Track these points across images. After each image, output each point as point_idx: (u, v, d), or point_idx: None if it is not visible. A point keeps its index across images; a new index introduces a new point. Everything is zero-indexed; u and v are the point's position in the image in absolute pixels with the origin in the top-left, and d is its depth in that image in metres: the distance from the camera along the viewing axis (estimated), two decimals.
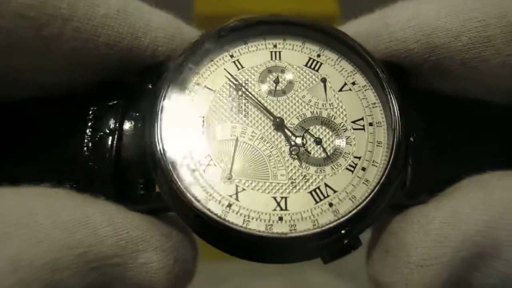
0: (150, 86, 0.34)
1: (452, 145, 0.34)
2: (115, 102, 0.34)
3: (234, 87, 0.34)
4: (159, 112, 0.32)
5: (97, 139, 0.33)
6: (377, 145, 0.32)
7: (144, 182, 0.33)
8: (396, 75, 0.34)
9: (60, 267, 0.26)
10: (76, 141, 0.33)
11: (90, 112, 0.34)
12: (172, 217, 0.33)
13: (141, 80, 0.35)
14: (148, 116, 0.32)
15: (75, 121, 0.33)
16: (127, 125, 0.33)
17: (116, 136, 0.33)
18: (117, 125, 0.33)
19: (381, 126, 0.33)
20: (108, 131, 0.33)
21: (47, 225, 0.27)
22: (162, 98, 0.32)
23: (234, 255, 0.31)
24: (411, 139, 0.33)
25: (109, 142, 0.33)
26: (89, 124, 0.33)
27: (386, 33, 0.34)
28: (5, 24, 0.29)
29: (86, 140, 0.33)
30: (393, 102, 0.32)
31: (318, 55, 0.35)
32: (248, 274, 0.62)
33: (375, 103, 0.33)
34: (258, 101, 0.33)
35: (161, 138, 0.31)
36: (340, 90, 0.34)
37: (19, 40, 0.30)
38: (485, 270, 0.30)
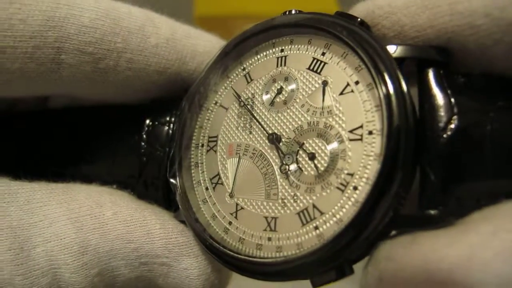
0: None
1: (500, 151, 0.25)
2: (167, 119, 0.38)
3: (240, 105, 0.34)
4: (178, 132, 0.35)
5: (150, 153, 0.37)
6: (373, 159, 0.27)
7: None
8: (441, 60, 0.28)
9: (117, 256, 0.32)
10: (133, 156, 0.37)
11: (145, 127, 0.38)
12: None
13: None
14: (176, 138, 0.36)
15: (133, 136, 0.38)
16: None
17: (167, 151, 0.37)
18: (168, 140, 0.37)
19: (380, 134, 0.27)
20: (160, 148, 0.37)
21: (111, 217, 0.32)
22: (182, 121, 0.35)
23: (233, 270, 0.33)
24: (441, 140, 0.26)
25: (160, 157, 0.37)
26: (144, 137, 0.37)
27: (446, 4, 0.27)
28: (68, 60, 0.32)
29: (141, 154, 0.37)
30: (393, 107, 0.26)
31: (323, 53, 0.31)
32: None
33: (378, 105, 0.28)
34: (254, 117, 0.33)
35: (180, 159, 0.35)
36: (341, 93, 0.30)
37: (79, 72, 0.33)
38: None
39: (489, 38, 0.25)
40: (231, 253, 0.31)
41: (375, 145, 0.27)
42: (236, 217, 0.32)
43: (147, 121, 0.38)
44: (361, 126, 0.28)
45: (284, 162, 0.31)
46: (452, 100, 0.27)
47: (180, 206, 0.34)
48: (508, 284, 0.22)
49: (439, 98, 0.27)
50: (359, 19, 0.30)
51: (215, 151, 0.35)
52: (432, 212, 0.26)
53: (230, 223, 0.32)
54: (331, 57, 0.31)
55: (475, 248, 0.23)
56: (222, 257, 0.32)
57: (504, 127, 0.25)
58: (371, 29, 0.30)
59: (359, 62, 0.29)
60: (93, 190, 0.35)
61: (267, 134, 0.32)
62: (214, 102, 0.36)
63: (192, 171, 0.35)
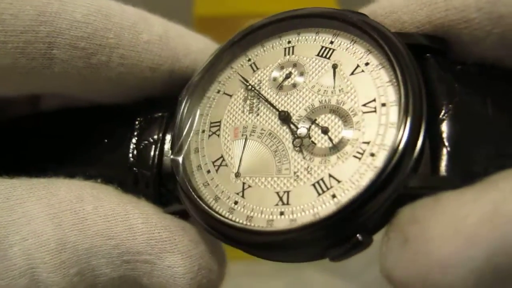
0: None
1: (500, 126, 0.27)
2: (160, 114, 0.37)
3: (245, 88, 0.35)
4: (179, 120, 0.35)
5: (141, 147, 0.36)
6: (389, 127, 0.28)
7: None
8: (439, 49, 0.31)
9: (98, 254, 0.30)
10: (123, 149, 0.36)
11: (137, 123, 0.37)
12: None
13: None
14: (172, 125, 0.35)
15: (123, 131, 0.37)
16: (168, 136, 0.37)
17: (159, 145, 0.36)
18: (161, 135, 0.36)
19: (395, 105, 0.29)
20: (152, 141, 0.36)
21: (91, 212, 0.30)
22: (184, 107, 0.35)
23: (244, 251, 0.31)
24: (445, 115, 0.28)
25: (152, 151, 0.36)
26: (135, 133, 0.37)
27: (442, 0, 0.30)
28: (59, 55, 0.32)
29: (131, 148, 0.36)
30: (411, 81, 0.28)
31: (331, 42, 0.33)
32: (248, 275, 0.61)
33: (389, 81, 0.30)
34: (265, 97, 0.33)
35: (180, 145, 0.34)
36: (352, 73, 0.31)
37: (71, 68, 0.33)
38: None
39: (482, 31, 0.29)
40: (239, 226, 0.29)
41: (391, 115, 0.29)
42: (243, 196, 0.31)
43: (140, 117, 0.37)
44: (374, 100, 0.30)
45: (296, 136, 0.31)
46: (452, 83, 0.30)
47: (181, 193, 0.32)
48: None
49: (440, 81, 0.30)
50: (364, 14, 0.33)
51: (218, 135, 0.34)
52: (446, 176, 0.27)
53: (236, 202, 0.31)
54: (340, 44, 0.33)
55: (497, 204, 0.24)
56: (227, 235, 0.30)
57: (501, 108, 0.28)
58: None
59: (369, 46, 0.31)
60: (74, 184, 0.33)
61: (277, 113, 0.32)
62: (216, 91, 0.36)
63: (191, 156, 0.34)
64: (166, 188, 0.36)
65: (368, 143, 0.29)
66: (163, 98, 0.38)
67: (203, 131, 0.35)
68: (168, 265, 0.31)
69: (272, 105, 0.33)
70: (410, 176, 0.27)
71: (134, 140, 0.37)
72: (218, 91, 0.36)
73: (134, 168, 0.36)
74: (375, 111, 0.29)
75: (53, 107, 0.39)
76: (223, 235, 0.30)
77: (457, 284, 0.24)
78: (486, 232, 0.23)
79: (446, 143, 0.28)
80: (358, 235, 0.27)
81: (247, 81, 0.35)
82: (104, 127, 0.38)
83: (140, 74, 0.35)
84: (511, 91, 0.29)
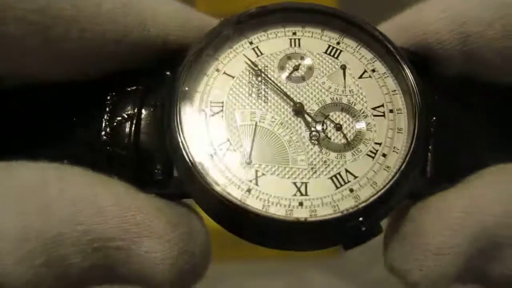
0: (168, 73, 0.35)
1: (475, 132, 0.33)
2: (134, 88, 0.34)
3: (253, 73, 0.34)
4: (178, 98, 0.32)
5: (115, 124, 0.33)
6: (397, 132, 0.32)
7: (162, 167, 0.33)
8: (421, 63, 0.34)
9: (65, 242, 0.27)
10: (94, 126, 0.33)
11: (108, 98, 0.33)
12: (187, 205, 0.33)
13: (159, 67, 0.35)
14: (167, 102, 0.32)
15: (93, 107, 0.33)
16: (145, 112, 0.33)
17: (134, 122, 0.33)
18: (136, 110, 0.33)
19: (401, 113, 0.32)
20: (126, 117, 0.33)
21: (56, 197, 0.27)
22: (181, 84, 0.32)
23: (252, 241, 0.30)
24: (431, 126, 0.33)
25: (127, 128, 0.32)
26: (107, 109, 0.33)
27: (418, 27, 0.34)
28: (11, 32, 0.29)
29: (104, 125, 0.33)
30: (414, 89, 0.32)
31: (338, 43, 0.35)
32: (248, 274, 0.61)
33: (395, 90, 0.33)
34: (278, 86, 0.33)
35: (180, 124, 0.31)
36: (360, 77, 0.34)
37: (26, 45, 0.30)
38: (502, 261, 0.30)
39: (453, 50, 0.34)
40: (259, 212, 0.28)
41: (397, 121, 0.32)
42: (256, 184, 0.30)
43: (111, 92, 0.33)
44: (382, 105, 0.33)
45: (313, 129, 0.32)
46: (433, 95, 0.34)
47: (183, 174, 0.30)
48: (507, 219, 0.29)
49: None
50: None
51: (222, 117, 0.32)
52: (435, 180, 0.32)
53: (249, 190, 0.30)
54: (346, 47, 0.35)
55: (474, 198, 0.30)
56: (240, 221, 0.29)
57: (477, 118, 0.34)
58: None
59: (374, 53, 0.34)
60: (38, 167, 0.29)
61: (291, 103, 0.32)
62: (215, 69, 0.34)
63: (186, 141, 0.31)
64: (144, 169, 0.33)
65: (379, 144, 0.31)
66: (136, 70, 0.34)
67: (203, 110, 0.32)
68: (145, 250, 0.28)
69: (287, 95, 0.33)
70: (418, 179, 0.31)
71: (106, 117, 0.33)
72: (217, 70, 0.34)
73: (108, 147, 0.32)
74: (383, 116, 0.32)
75: (12, 87, 0.33)
76: (236, 221, 0.29)
77: (449, 267, 0.29)
78: (467, 222, 0.29)
79: (432, 150, 0.33)
80: (372, 229, 0.30)
81: (256, 66, 0.34)
82: (71, 104, 0.33)
83: (104, 48, 0.32)
84: (486, 102, 0.35)
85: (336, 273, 0.67)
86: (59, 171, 0.29)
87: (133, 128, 0.32)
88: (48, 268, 0.27)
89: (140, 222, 0.29)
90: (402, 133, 0.32)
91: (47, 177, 0.28)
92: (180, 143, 0.30)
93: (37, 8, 0.29)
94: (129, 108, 0.33)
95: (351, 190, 0.30)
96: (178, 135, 0.30)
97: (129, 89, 0.34)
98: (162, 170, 0.33)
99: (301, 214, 0.29)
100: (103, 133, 0.32)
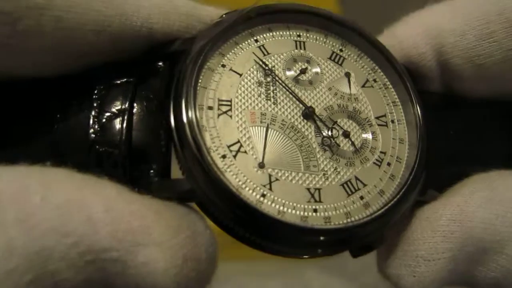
0: (160, 64, 0.32)
1: (460, 143, 0.36)
2: (124, 80, 0.31)
3: (263, 72, 0.32)
4: (185, 93, 0.29)
5: (104, 120, 0.29)
6: (399, 142, 0.33)
7: (157, 168, 0.30)
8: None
9: (53, 256, 0.24)
10: (81, 123, 0.29)
11: (96, 92, 0.30)
12: (187, 205, 0.30)
13: (149, 58, 0.32)
14: (171, 98, 0.29)
15: (79, 102, 0.30)
16: (138, 106, 0.30)
17: (126, 117, 0.30)
18: (127, 105, 0.30)
19: (401, 123, 0.34)
20: (116, 112, 0.30)
21: (40, 205, 0.24)
22: (188, 79, 0.29)
23: (262, 249, 0.29)
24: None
25: (119, 124, 0.29)
26: (95, 104, 0.30)
27: (397, 44, 0.36)
28: None
29: (91, 122, 0.29)
30: (416, 101, 0.33)
31: (341, 50, 0.35)
32: (248, 274, 0.59)
33: (395, 101, 0.34)
34: (289, 88, 0.32)
35: (190, 120, 0.28)
36: (363, 86, 0.34)
37: None
38: (488, 264, 0.32)
39: (432, 62, 0.36)
40: (276, 218, 0.27)
41: (399, 131, 0.33)
42: (270, 189, 0.29)
43: (99, 85, 0.30)
44: (384, 115, 0.34)
45: (324, 135, 0.31)
46: None
47: (197, 173, 0.27)
48: (491, 225, 0.32)
49: None
50: None
51: (230, 116, 0.30)
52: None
53: (263, 195, 0.28)
54: (349, 55, 0.35)
55: (461, 206, 0.32)
56: (255, 226, 0.28)
57: (458, 130, 0.37)
58: None
59: (373, 64, 0.35)
60: (18, 171, 0.25)
61: (301, 107, 0.32)
62: (221, 64, 0.32)
63: (202, 134, 0.29)
64: (138, 169, 0.29)
65: (384, 153, 0.32)
66: (126, 62, 0.31)
67: (210, 108, 0.30)
68: (143, 261, 0.25)
69: (298, 98, 0.32)
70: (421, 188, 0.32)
71: (94, 112, 0.29)
72: (223, 66, 0.32)
73: (97, 146, 0.29)
74: (386, 126, 0.33)
75: None
76: (250, 227, 0.28)
77: (439, 272, 0.31)
78: (455, 229, 0.31)
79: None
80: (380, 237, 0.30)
81: (266, 65, 0.32)
82: (54, 100, 0.30)
83: (83, 40, 0.29)
84: (467, 116, 0.37)
85: (336, 273, 0.68)
86: (41, 175, 0.25)
87: (124, 124, 0.29)
88: (36, 286, 0.23)
89: (136, 229, 0.25)
90: (403, 143, 0.33)
91: (28, 182, 0.24)
92: (192, 141, 0.28)
93: None
94: (119, 102, 0.30)
95: (361, 198, 0.30)
96: (188, 131, 0.28)
97: (118, 81, 0.31)
98: (157, 170, 0.30)
99: (316, 221, 0.29)
100: (91, 130, 0.29)
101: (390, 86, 0.35)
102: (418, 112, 0.33)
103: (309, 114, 0.32)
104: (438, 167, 0.34)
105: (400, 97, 0.34)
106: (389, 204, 0.30)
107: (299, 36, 0.35)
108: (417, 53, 0.35)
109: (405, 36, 0.35)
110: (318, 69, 0.34)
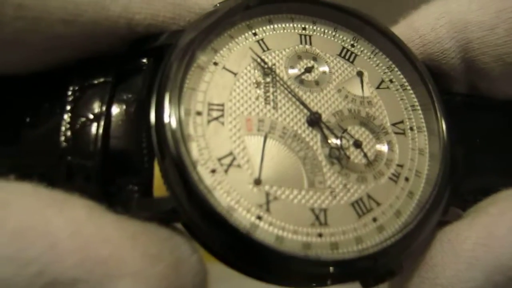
0: (144, 61, 0.28)
1: (486, 153, 0.31)
2: (102, 80, 0.27)
3: (261, 71, 0.28)
4: (168, 95, 0.25)
5: (78, 126, 0.26)
6: (419, 153, 0.28)
7: (138, 182, 0.26)
8: None
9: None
10: (51, 129, 0.26)
11: (69, 93, 0.27)
12: (169, 229, 0.26)
13: (130, 54, 0.28)
14: (152, 99, 0.25)
15: (50, 105, 0.26)
16: (116, 110, 0.27)
17: (102, 123, 0.26)
18: (104, 108, 0.26)
19: (422, 132, 0.29)
20: (92, 117, 0.26)
21: None
22: (172, 78, 0.25)
23: (260, 279, 0.25)
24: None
25: (94, 130, 0.26)
26: (68, 108, 0.26)
27: (417, 37, 0.31)
28: None
29: (64, 128, 0.26)
30: (439, 105, 0.29)
31: (352, 45, 0.31)
32: None
33: (414, 105, 0.30)
34: (292, 90, 0.28)
35: (172, 127, 0.24)
36: (378, 87, 0.30)
37: None
38: None
39: (456, 58, 0.31)
40: (269, 247, 0.23)
41: (418, 140, 0.29)
42: (268, 210, 0.25)
43: (72, 86, 0.27)
44: (402, 122, 0.29)
45: (332, 146, 0.27)
46: None
47: (172, 193, 0.23)
48: None
49: None
50: None
51: (222, 123, 0.26)
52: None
53: (259, 217, 0.24)
54: (362, 51, 0.31)
55: (489, 228, 0.27)
56: (252, 251, 0.23)
57: (480, 141, 0.32)
58: None
59: (389, 61, 0.30)
60: None
61: (307, 112, 0.27)
62: (213, 62, 0.27)
63: (188, 145, 0.25)
64: (115, 184, 0.25)
65: (401, 166, 0.28)
66: (103, 59, 0.28)
67: (199, 113, 0.26)
68: None
69: (303, 103, 0.27)
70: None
71: (66, 117, 0.26)
72: (216, 63, 0.27)
73: (68, 157, 0.25)
74: (404, 134, 0.29)
75: None
76: (243, 255, 0.24)
77: None
78: (482, 254, 0.27)
79: None
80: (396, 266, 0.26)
81: (265, 63, 0.28)
82: (22, 102, 0.27)
83: (50, 31, 0.26)
84: (495, 121, 0.33)
85: None
86: (0, 192, 0.23)
87: (100, 131, 0.26)
88: None
89: (108, 258, 0.22)
90: (423, 155, 0.28)
91: None
92: (174, 153, 0.23)
93: None
94: (95, 105, 0.26)
95: (374, 220, 0.26)
96: (171, 141, 0.24)
97: (95, 81, 0.27)
98: (138, 185, 0.26)
99: (321, 249, 0.24)
100: (62, 138, 0.26)
101: (409, 88, 0.30)
102: (441, 118, 0.28)
103: (314, 120, 0.27)
104: (460, 180, 0.30)
105: (420, 101, 0.30)
106: (408, 228, 0.25)
107: (304, 29, 0.30)
108: (440, 49, 0.31)
109: (426, 28, 0.31)
110: (326, 68, 0.29)
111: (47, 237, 0.22)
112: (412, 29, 0.32)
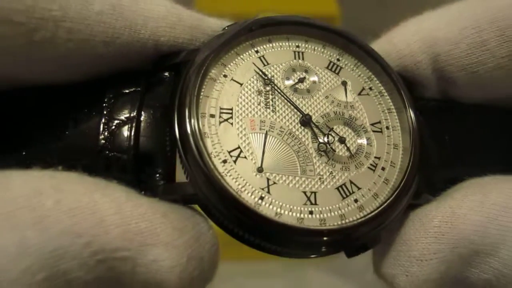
0: (166, 75, 0.34)
1: (456, 149, 0.37)
2: (132, 89, 0.33)
3: (262, 81, 0.34)
4: (188, 102, 0.31)
5: (114, 127, 0.31)
6: (393, 148, 0.34)
7: (163, 172, 0.32)
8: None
9: (67, 256, 0.25)
10: (91, 129, 0.31)
11: (106, 100, 0.32)
12: (191, 208, 0.32)
13: (155, 69, 0.34)
14: (174, 106, 0.31)
15: (90, 109, 0.32)
16: (145, 114, 0.32)
17: (134, 124, 0.32)
18: (135, 113, 0.32)
19: (396, 130, 0.35)
20: (125, 119, 0.32)
21: (53, 208, 0.26)
22: (190, 88, 0.31)
23: (261, 249, 0.31)
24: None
25: (127, 130, 0.31)
26: (105, 112, 0.32)
27: (394, 52, 0.37)
28: None
29: (101, 128, 0.31)
30: (410, 108, 0.35)
31: (338, 59, 0.37)
32: (248, 274, 0.61)
33: (390, 108, 0.36)
34: (287, 97, 0.34)
35: (192, 128, 0.30)
36: (359, 94, 0.36)
37: (11, 47, 0.28)
38: (481, 266, 0.33)
39: (428, 69, 0.37)
40: (273, 219, 0.29)
41: (393, 137, 0.35)
42: (269, 192, 0.31)
43: (108, 94, 0.33)
44: (379, 122, 0.35)
45: (320, 141, 0.33)
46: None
47: (197, 176, 0.29)
48: (483, 227, 0.32)
49: None
50: None
51: (231, 124, 0.32)
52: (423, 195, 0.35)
53: (262, 198, 0.30)
54: (346, 64, 0.37)
55: (453, 208, 0.33)
56: (254, 227, 0.29)
57: (453, 137, 0.38)
58: None
59: (369, 72, 0.37)
60: (31, 176, 0.27)
61: (300, 115, 0.33)
62: (223, 75, 0.34)
63: (204, 140, 0.31)
64: (145, 173, 0.31)
65: (379, 158, 0.34)
66: (134, 71, 0.33)
67: (212, 116, 0.32)
68: (152, 259, 0.27)
69: (297, 107, 0.33)
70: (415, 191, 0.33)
71: (103, 120, 0.32)
72: (225, 76, 0.34)
73: (106, 152, 0.31)
74: (381, 132, 0.35)
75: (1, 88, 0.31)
76: (248, 228, 0.29)
77: (432, 272, 0.32)
78: (447, 230, 0.32)
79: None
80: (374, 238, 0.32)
81: (266, 75, 0.34)
82: (66, 107, 0.32)
83: (93, 51, 0.31)
84: (463, 121, 0.38)
85: (336, 273, 0.69)
86: (54, 179, 0.27)
87: (132, 131, 0.31)
88: (49, 284, 0.25)
89: (145, 230, 0.27)
90: (397, 149, 0.34)
91: (42, 186, 0.26)
92: (194, 146, 0.30)
93: (23, 8, 0.27)
94: (127, 110, 0.32)
95: (356, 201, 0.32)
96: (191, 139, 0.30)
97: (127, 90, 0.33)
98: (163, 174, 0.32)
99: (312, 222, 0.30)
100: (101, 137, 0.31)
101: (386, 94, 0.36)
102: (411, 118, 0.34)
103: (306, 121, 0.33)
104: (432, 172, 0.36)
105: (395, 104, 0.36)
106: (382, 207, 0.31)
107: (298, 46, 0.36)
108: (414, 62, 0.37)
109: (403, 44, 0.37)
110: (315, 78, 0.35)
111: (95, 214, 0.26)
112: (391, 44, 0.37)
